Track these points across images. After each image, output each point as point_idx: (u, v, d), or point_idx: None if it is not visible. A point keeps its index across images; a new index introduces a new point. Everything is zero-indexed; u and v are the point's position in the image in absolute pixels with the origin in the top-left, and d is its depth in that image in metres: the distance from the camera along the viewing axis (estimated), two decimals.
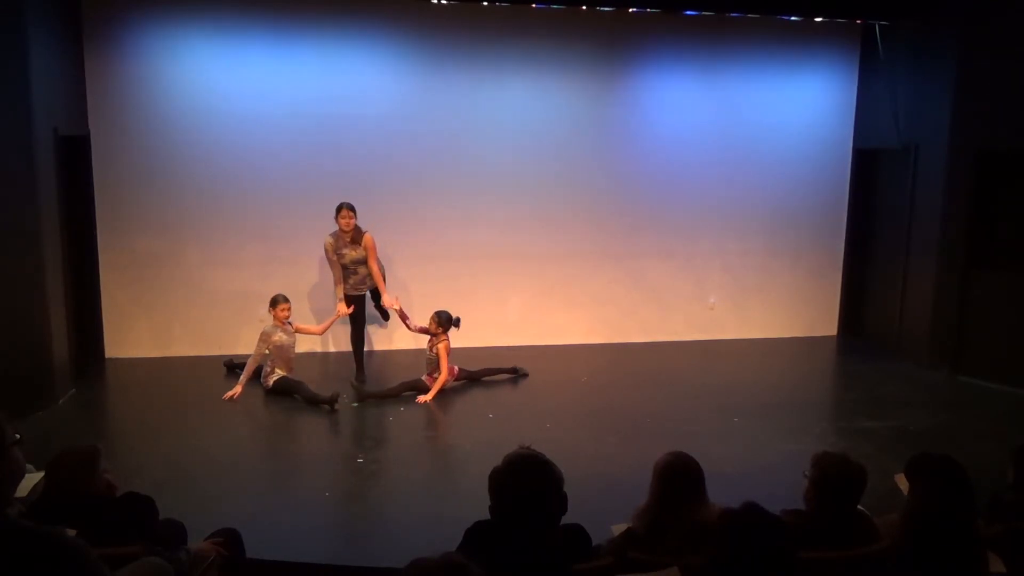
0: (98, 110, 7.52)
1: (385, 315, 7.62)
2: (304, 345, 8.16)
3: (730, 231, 8.88)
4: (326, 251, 7.03)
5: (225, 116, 7.75)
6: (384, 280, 7.27)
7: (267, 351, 6.84)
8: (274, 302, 6.89)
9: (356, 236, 6.99)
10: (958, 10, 7.46)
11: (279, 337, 6.83)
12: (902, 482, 2.94)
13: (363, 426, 6.26)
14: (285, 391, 6.74)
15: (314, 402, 6.53)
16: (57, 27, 6.83)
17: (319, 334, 7.51)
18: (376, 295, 7.32)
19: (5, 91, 5.93)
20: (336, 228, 6.98)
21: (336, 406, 6.45)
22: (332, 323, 7.24)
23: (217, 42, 7.70)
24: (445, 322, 6.91)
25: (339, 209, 6.92)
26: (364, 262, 7.06)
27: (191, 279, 7.88)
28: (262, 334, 6.84)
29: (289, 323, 6.96)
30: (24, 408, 5.88)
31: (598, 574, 2.72)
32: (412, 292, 8.06)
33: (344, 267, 7.04)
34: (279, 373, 6.84)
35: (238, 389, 6.71)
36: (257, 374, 6.94)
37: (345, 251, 7.01)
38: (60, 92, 6.83)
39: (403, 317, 7.12)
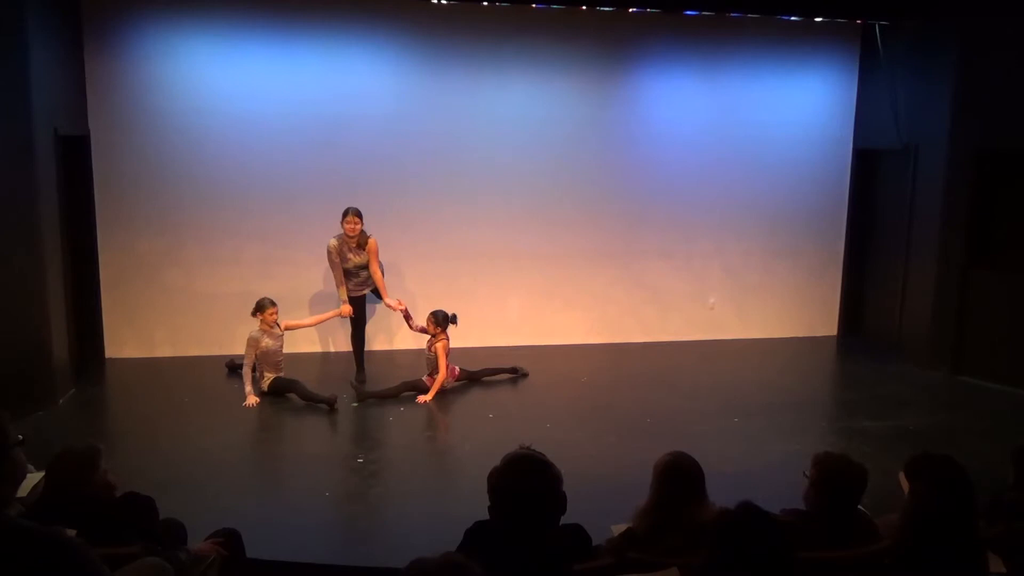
0: (98, 110, 7.52)
1: (379, 295, 7.53)
2: (304, 345, 8.17)
3: (730, 231, 8.88)
4: (329, 253, 7.02)
5: (225, 116, 7.75)
6: (383, 281, 7.27)
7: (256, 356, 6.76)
8: (260, 307, 6.71)
9: (361, 241, 6.99)
10: (958, 10, 7.46)
11: (266, 343, 6.70)
12: (904, 482, 2.94)
13: (363, 426, 6.26)
14: (281, 390, 6.73)
15: (312, 400, 6.53)
16: (57, 27, 6.83)
17: (311, 326, 7.43)
18: (376, 295, 7.33)
19: (5, 91, 5.92)
20: (340, 231, 6.98)
21: (335, 406, 6.44)
22: (328, 318, 7.17)
23: (217, 42, 7.70)
24: (442, 320, 6.92)
25: (345, 214, 6.92)
26: (367, 266, 7.06)
27: (191, 279, 7.88)
28: (249, 340, 6.70)
29: (277, 324, 6.80)
30: (24, 408, 5.87)
31: (598, 574, 2.72)
32: (412, 292, 8.05)
33: (346, 270, 7.04)
34: (269, 376, 6.77)
35: (251, 399, 6.59)
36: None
37: (349, 256, 7.01)
38: (60, 92, 6.83)
39: (407, 317, 7.13)
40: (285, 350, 6.91)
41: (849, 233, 9.20)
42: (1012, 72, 7.10)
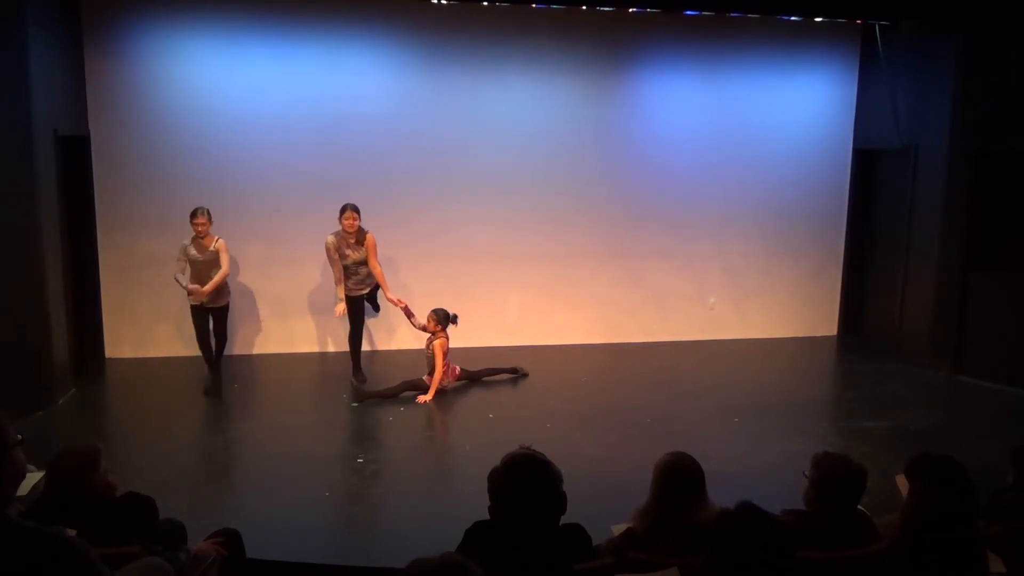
0: (98, 110, 7.52)
1: (376, 307, 7.59)
2: (303, 345, 8.18)
3: (730, 231, 8.88)
4: (327, 250, 7.03)
5: (225, 116, 7.75)
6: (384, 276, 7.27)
7: (179, 261, 6.84)
8: (191, 215, 6.75)
9: (359, 237, 7.00)
10: (958, 10, 7.46)
11: (192, 254, 6.78)
12: (902, 483, 2.94)
13: (363, 426, 6.26)
14: (202, 323, 6.87)
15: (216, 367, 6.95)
16: (57, 27, 6.84)
17: (225, 270, 6.86)
18: (373, 294, 7.33)
19: (5, 91, 5.93)
20: (338, 228, 6.98)
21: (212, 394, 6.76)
22: (222, 276, 6.81)
23: (217, 42, 7.70)
24: (443, 319, 6.92)
25: (343, 210, 6.92)
26: (365, 262, 7.07)
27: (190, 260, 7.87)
28: (180, 248, 6.83)
29: (213, 236, 6.80)
30: (24, 408, 5.88)
31: (598, 574, 2.72)
32: (412, 292, 8.05)
33: (345, 267, 7.05)
34: (197, 300, 6.78)
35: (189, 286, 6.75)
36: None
37: (348, 252, 7.01)
38: (60, 92, 6.83)
39: (408, 314, 7.13)
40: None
41: (849, 233, 9.20)
42: (1012, 72, 7.10)
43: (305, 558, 3.97)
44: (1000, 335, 7.35)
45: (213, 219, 6.83)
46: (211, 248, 6.79)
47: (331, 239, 6.99)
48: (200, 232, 6.74)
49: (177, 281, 6.81)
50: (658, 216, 8.73)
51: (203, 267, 6.77)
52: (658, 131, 8.59)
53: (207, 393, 6.78)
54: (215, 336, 6.99)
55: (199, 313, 6.86)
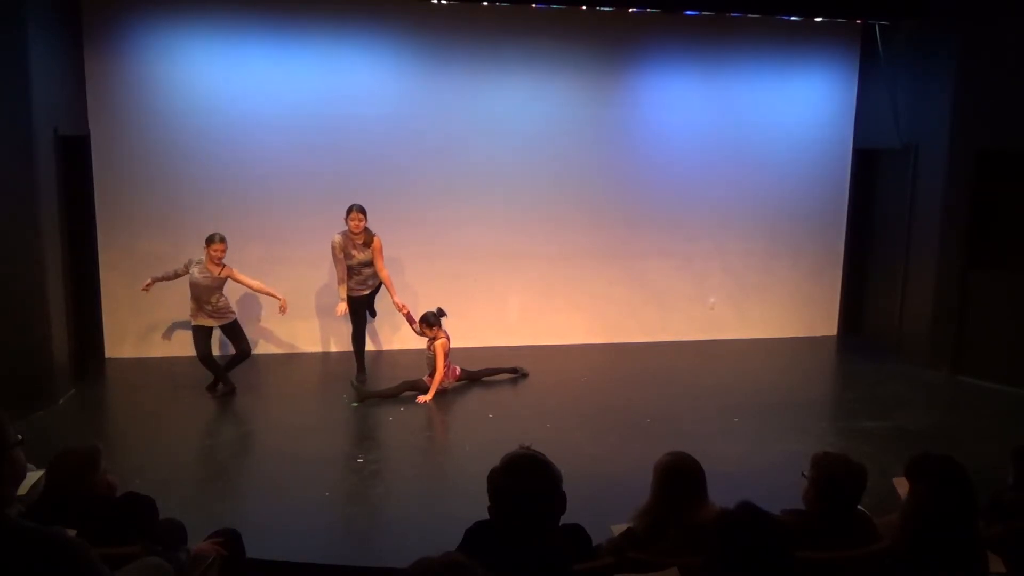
0: (98, 110, 7.52)
1: (372, 313, 7.58)
2: (305, 345, 8.18)
3: (730, 231, 8.88)
4: (333, 249, 7.02)
5: (225, 116, 7.75)
6: (391, 279, 7.27)
7: (177, 274, 6.81)
8: (209, 240, 6.68)
9: (366, 239, 6.99)
10: (958, 10, 7.46)
11: (195, 275, 6.68)
12: (900, 485, 2.94)
13: (363, 426, 6.27)
14: (203, 338, 6.73)
15: (224, 375, 6.81)
16: (57, 27, 6.84)
17: (254, 288, 7.01)
18: (372, 298, 7.32)
19: (5, 91, 5.94)
20: (340, 228, 6.97)
21: (220, 392, 6.73)
22: (272, 293, 6.98)
23: (217, 42, 7.71)
24: (434, 320, 6.91)
25: (349, 211, 6.91)
26: (370, 264, 7.06)
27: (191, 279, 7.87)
28: (187, 261, 6.78)
29: (222, 264, 6.73)
30: (24, 408, 5.88)
31: (598, 574, 2.72)
32: (413, 291, 8.05)
33: (349, 267, 7.04)
34: (202, 321, 6.75)
35: (148, 282, 6.87)
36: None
37: (353, 252, 7.01)
38: (60, 92, 6.83)
39: (410, 320, 7.13)
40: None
41: (849, 233, 9.20)
42: (1012, 72, 7.10)
43: (305, 558, 3.97)
44: (1000, 335, 7.35)
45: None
46: (218, 275, 6.72)
47: (337, 238, 6.99)
48: (217, 259, 6.67)
49: (153, 278, 6.85)
50: (658, 216, 8.73)
51: (204, 291, 6.70)
52: (658, 131, 8.59)
53: (226, 394, 6.77)
54: (239, 350, 6.89)
55: (201, 333, 6.76)
